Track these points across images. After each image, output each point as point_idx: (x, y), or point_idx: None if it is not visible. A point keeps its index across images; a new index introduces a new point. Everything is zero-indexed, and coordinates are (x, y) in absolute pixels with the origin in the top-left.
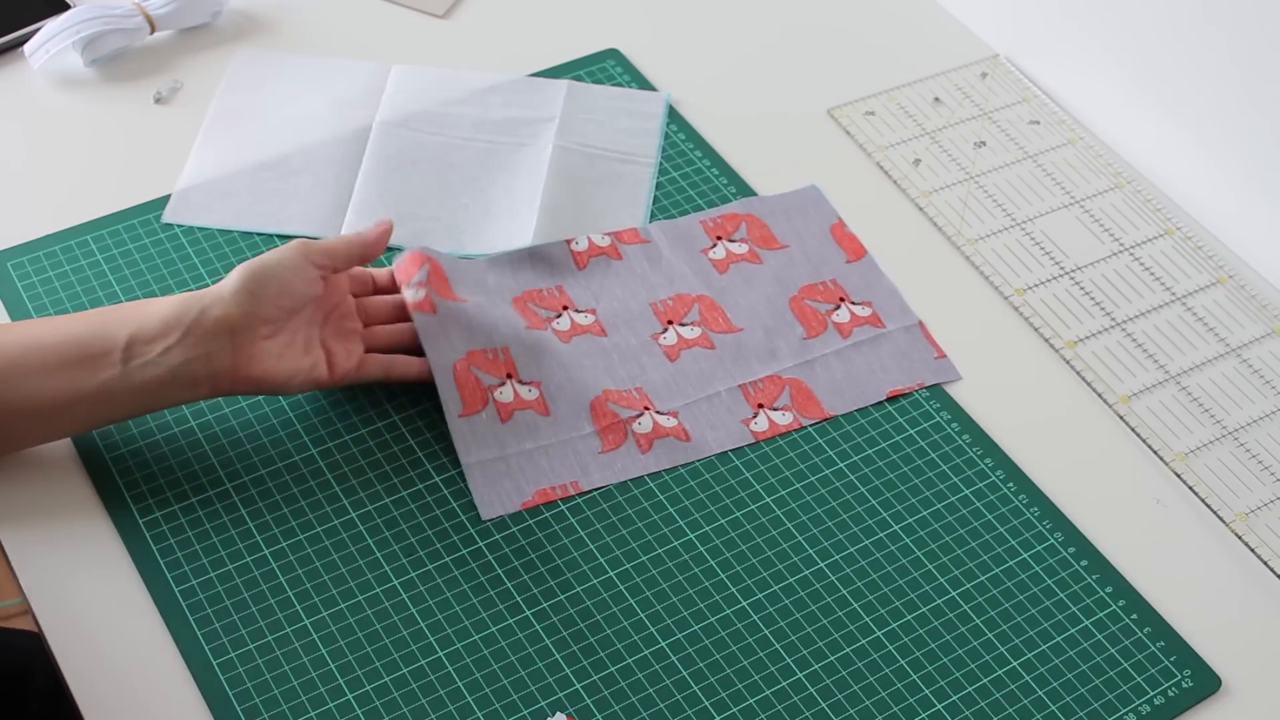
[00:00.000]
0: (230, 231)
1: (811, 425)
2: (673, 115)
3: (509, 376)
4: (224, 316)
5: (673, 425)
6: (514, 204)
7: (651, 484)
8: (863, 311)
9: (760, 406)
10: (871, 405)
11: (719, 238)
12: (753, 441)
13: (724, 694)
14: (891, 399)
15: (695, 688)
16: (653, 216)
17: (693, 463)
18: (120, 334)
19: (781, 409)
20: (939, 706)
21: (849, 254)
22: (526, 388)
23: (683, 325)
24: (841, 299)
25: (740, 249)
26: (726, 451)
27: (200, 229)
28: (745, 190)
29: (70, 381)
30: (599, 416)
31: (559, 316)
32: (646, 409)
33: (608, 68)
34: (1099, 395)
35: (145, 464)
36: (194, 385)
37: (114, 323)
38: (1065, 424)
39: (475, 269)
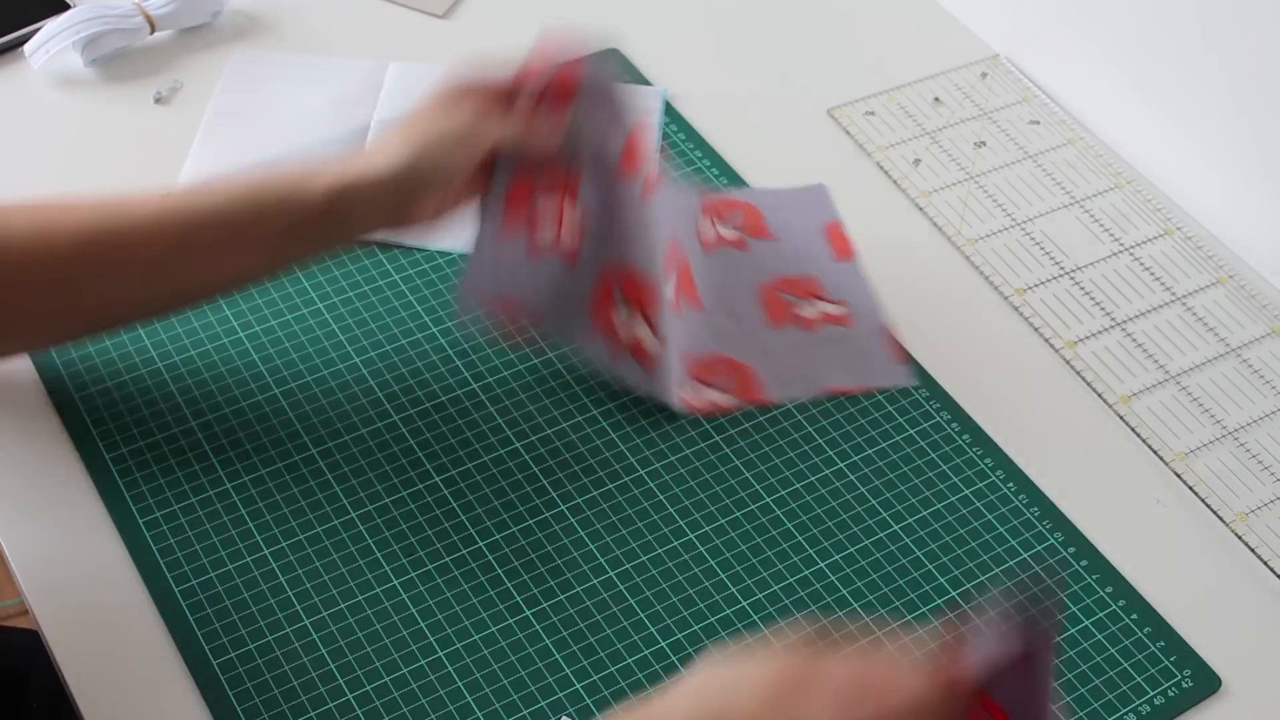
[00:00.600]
0: None
1: (754, 408)
2: (672, 115)
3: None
4: (376, 205)
5: (653, 347)
6: None
7: (652, 484)
8: (834, 310)
9: (699, 380)
10: (870, 404)
11: (713, 219)
12: (680, 408)
13: None
14: (896, 397)
15: None
16: None
17: (693, 463)
18: (278, 225)
19: (717, 388)
20: None
21: (837, 253)
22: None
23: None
24: (814, 295)
25: (730, 234)
26: (727, 451)
27: None
28: (744, 189)
29: (231, 264)
30: (603, 301)
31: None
32: (646, 319)
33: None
34: (1099, 395)
35: (145, 463)
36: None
37: (270, 210)
38: (1065, 424)
39: None
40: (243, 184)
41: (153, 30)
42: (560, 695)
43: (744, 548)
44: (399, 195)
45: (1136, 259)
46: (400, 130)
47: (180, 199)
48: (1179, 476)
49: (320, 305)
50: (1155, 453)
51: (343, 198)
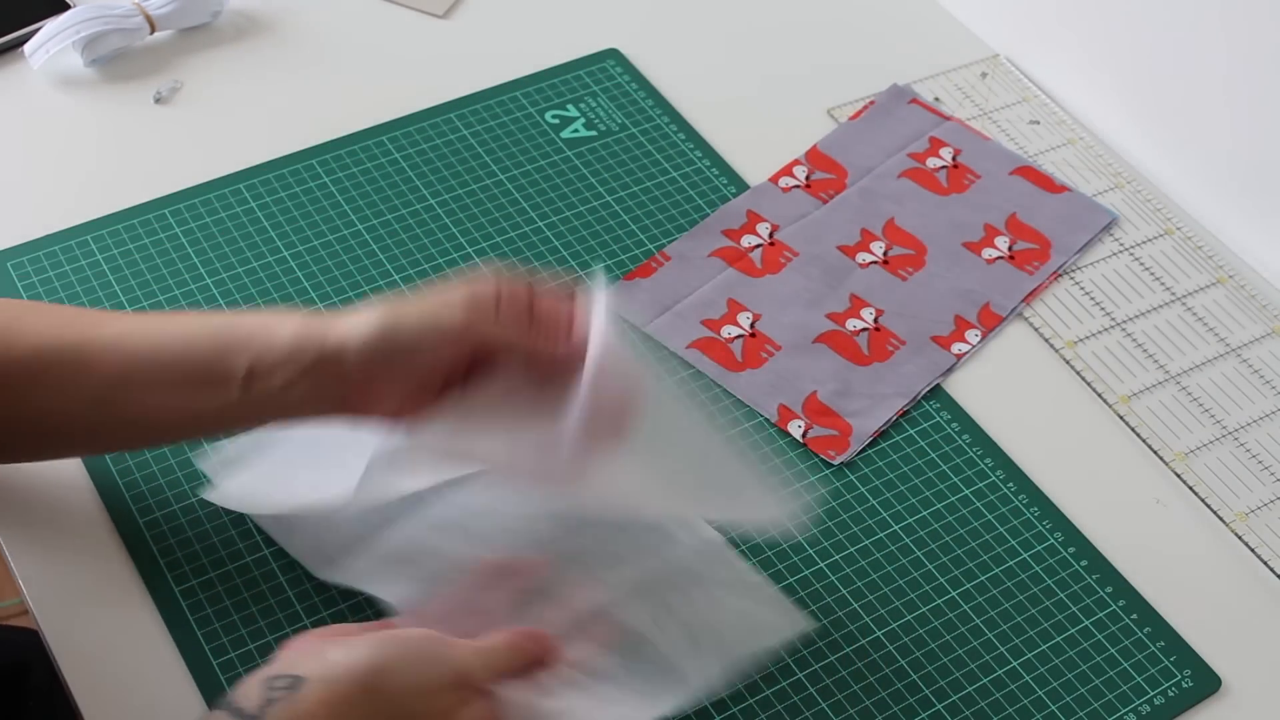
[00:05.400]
0: (232, 233)
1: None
2: (672, 115)
3: None
4: (341, 375)
5: None
6: None
7: None
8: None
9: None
10: None
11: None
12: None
13: (723, 694)
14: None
15: None
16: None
17: None
18: (240, 362)
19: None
20: (939, 706)
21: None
22: None
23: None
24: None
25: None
26: None
27: (201, 230)
28: (744, 190)
29: (189, 401)
30: None
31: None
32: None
33: (608, 68)
34: (1099, 395)
35: (145, 463)
36: (318, 415)
37: (235, 347)
38: (1065, 424)
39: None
40: (209, 317)
41: (153, 30)
42: None
43: (743, 548)
44: (366, 364)
45: (1136, 259)
46: (379, 304)
47: (143, 320)
48: (1179, 476)
49: (321, 306)
50: (1155, 453)
51: (309, 340)
